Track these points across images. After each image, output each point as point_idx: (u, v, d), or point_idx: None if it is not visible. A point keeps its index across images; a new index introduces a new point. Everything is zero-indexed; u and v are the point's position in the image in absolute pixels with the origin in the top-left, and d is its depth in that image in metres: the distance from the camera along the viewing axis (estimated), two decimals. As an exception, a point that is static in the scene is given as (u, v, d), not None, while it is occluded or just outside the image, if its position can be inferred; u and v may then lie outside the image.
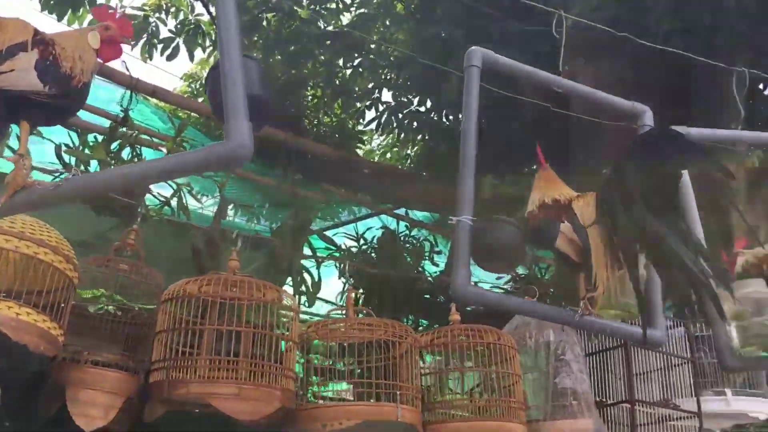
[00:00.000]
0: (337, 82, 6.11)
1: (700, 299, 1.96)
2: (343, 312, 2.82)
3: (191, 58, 6.04)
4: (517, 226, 2.06)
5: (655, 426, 3.23)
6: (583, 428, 2.75)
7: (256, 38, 5.75)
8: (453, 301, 2.87)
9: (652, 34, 3.77)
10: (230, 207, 4.58)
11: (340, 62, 6.15)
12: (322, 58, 6.11)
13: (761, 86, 4.89)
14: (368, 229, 5.92)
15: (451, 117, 6.19)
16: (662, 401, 3.16)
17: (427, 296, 5.36)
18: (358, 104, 6.16)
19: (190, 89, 7.23)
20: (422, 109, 6.01)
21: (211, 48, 6.12)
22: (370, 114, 5.99)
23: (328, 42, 5.80)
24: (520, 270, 6.45)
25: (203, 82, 6.38)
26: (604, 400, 3.17)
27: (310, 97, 6.39)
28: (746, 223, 2.37)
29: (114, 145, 3.33)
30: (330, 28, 5.86)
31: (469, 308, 5.91)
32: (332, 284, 5.36)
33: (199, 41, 6.03)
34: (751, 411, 3.33)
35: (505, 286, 5.82)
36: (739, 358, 2.62)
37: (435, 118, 6.18)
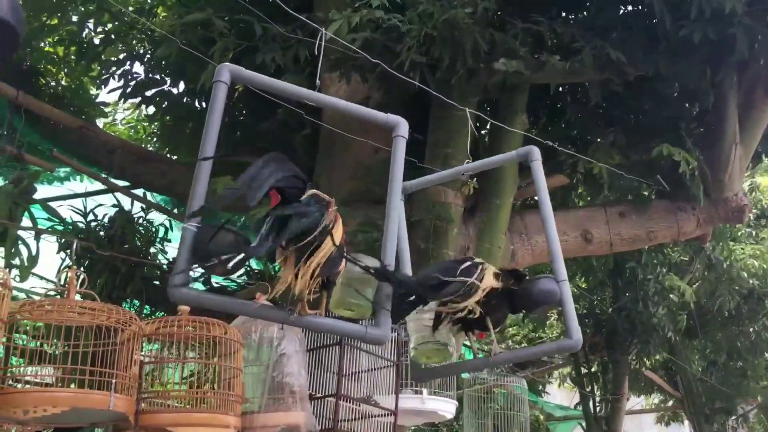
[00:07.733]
0: (85, 44, 5.70)
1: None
2: (63, 292, 2.66)
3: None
4: (236, 232, 2.08)
5: (358, 422, 3.50)
6: (294, 421, 2.89)
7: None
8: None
9: (402, 63, 4.09)
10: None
11: (91, 24, 5.75)
12: (71, 15, 5.67)
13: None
14: (99, 205, 5.60)
15: (204, 104, 6.10)
16: (364, 398, 3.45)
17: (157, 282, 5.21)
18: (105, 73, 5.78)
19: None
20: (175, 90, 5.84)
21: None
22: (116, 84, 5.66)
23: (82, -1, 5.40)
24: (255, 265, 6.54)
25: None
26: (313, 393, 3.37)
27: (52, 55, 5.88)
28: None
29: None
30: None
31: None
32: (49, 260, 4.98)
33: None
34: (440, 410, 3.75)
35: (238, 280, 5.86)
36: (421, 371, 2.94)
37: (188, 102, 6.04)
